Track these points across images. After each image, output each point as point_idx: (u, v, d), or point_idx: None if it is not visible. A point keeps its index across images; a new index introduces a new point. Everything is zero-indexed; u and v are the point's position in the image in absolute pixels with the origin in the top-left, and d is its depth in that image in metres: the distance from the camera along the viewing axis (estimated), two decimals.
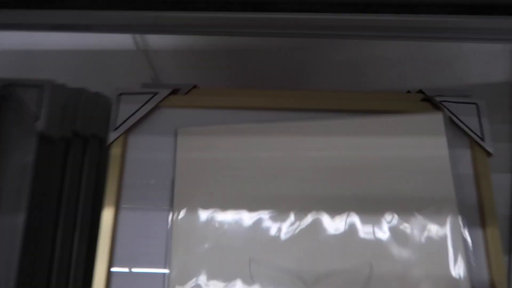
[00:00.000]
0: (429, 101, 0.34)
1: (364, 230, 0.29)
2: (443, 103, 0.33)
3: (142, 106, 0.33)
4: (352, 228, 0.30)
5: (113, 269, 0.30)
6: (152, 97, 0.33)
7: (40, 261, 0.36)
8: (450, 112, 0.33)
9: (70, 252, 0.40)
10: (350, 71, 0.47)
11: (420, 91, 0.35)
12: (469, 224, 0.30)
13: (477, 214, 0.31)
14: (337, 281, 0.29)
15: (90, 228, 0.43)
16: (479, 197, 0.32)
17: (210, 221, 0.30)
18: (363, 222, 0.30)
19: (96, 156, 0.45)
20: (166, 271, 0.29)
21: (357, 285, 0.28)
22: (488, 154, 0.32)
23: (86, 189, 0.42)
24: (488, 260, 0.30)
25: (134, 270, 0.30)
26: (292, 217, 0.30)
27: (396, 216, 0.30)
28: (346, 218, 0.30)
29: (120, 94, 0.33)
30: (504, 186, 0.46)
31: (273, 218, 0.30)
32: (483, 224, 0.31)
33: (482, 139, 0.33)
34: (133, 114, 0.32)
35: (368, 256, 0.29)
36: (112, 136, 0.32)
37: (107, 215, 0.30)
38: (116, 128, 0.32)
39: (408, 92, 0.36)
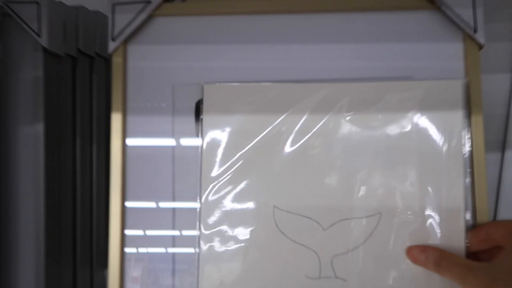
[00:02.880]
0: None
1: (374, 185, 0.32)
2: None
3: (137, 15, 0.34)
4: (363, 183, 0.32)
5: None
6: (146, 6, 0.34)
7: (63, 168, 0.40)
8: (446, 5, 0.33)
9: (90, 160, 0.44)
10: None
11: None
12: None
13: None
14: (348, 225, 0.32)
15: (106, 139, 0.47)
16: (467, 90, 0.33)
17: (234, 167, 0.33)
18: (374, 178, 0.32)
19: (103, 75, 0.47)
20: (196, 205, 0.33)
21: (365, 231, 0.32)
22: (480, 46, 0.33)
23: (97, 104, 0.45)
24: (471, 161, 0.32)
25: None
26: (314, 170, 0.32)
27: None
28: (358, 175, 0.32)
29: (114, 3, 0.33)
30: (504, 87, 0.47)
31: (295, 171, 0.32)
32: (469, 115, 0.33)
33: (475, 30, 0.33)
34: (129, 24, 0.33)
35: (377, 205, 0.32)
36: (111, 46, 0.33)
37: (115, 119, 0.33)
38: (114, 38, 0.33)
39: None
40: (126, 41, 0.34)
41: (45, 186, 0.37)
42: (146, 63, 0.34)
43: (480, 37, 0.33)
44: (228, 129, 0.33)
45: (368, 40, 0.33)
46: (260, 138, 0.33)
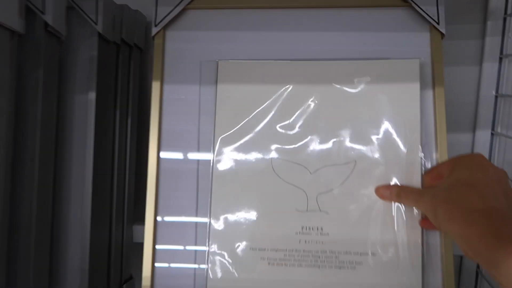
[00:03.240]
0: None
1: (351, 139, 0.41)
2: None
3: (174, 8, 0.43)
4: (342, 138, 0.41)
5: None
6: (181, 0, 0.43)
7: (106, 130, 0.50)
8: (415, 2, 0.42)
9: (126, 126, 0.53)
10: None
11: None
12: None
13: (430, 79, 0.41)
14: (330, 170, 0.41)
15: (139, 111, 0.56)
16: (432, 66, 0.41)
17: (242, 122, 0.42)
18: (349, 135, 0.41)
19: (138, 61, 0.57)
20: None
21: (343, 174, 0.41)
22: (442, 35, 0.42)
23: (133, 83, 0.54)
24: (436, 134, 0.41)
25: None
26: (305, 128, 0.41)
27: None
28: (338, 132, 0.41)
29: None
30: (473, 78, 0.55)
31: (291, 129, 0.42)
32: (433, 88, 0.41)
33: (437, 23, 0.42)
34: (168, 14, 0.43)
35: (353, 155, 0.41)
36: (154, 30, 0.43)
37: (155, 88, 0.42)
38: (157, 25, 0.43)
39: None
40: (165, 27, 0.44)
41: (94, 145, 0.46)
42: (180, 45, 0.44)
43: (441, 28, 0.42)
44: (237, 95, 0.42)
45: (353, 30, 0.43)
46: (262, 105, 0.42)
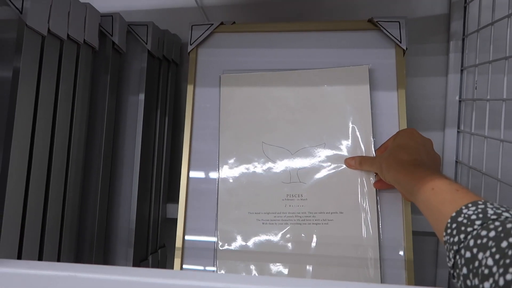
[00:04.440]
0: (371, 22, 0.57)
1: (321, 128, 0.55)
2: (379, 22, 0.56)
3: (205, 31, 0.59)
4: (314, 126, 0.55)
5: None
6: (210, 26, 0.59)
7: (150, 125, 0.65)
8: (383, 27, 0.56)
9: (164, 123, 0.68)
10: (343, 9, 0.71)
11: (370, 19, 0.58)
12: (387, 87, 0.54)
13: (395, 85, 0.55)
14: (306, 150, 0.54)
15: (174, 111, 0.72)
16: (396, 74, 0.55)
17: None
18: (319, 123, 0.55)
19: (175, 74, 0.73)
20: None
21: (316, 154, 0.54)
22: (404, 50, 0.55)
23: (170, 91, 0.70)
24: (399, 126, 0.54)
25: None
26: (285, 119, 0.56)
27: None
28: (311, 121, 0.55)
29: (193, 25, 0.59)
30: (440, 86, 0.68)
31: (276, 122, 0.56)
32: (397, 91, 0.55)
33: (400, 41, 0.55)
34: (200, 36, 0.59)
35: (323, 138, 0.54)
36: (189, 48, 0.59)
37: (189, 90, 0.57)
38: (191, 44, 0.58)
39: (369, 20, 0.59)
40: (198, 46, 0.59)
41: (142, 136, 0.61)
42: (208, 58, 0.59)
43: (403, 45, 0.55)
44: (237, 100, 0.57)
45: (335, 47, 0.57)
46: (257, 107, 0.56)
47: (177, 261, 0.52)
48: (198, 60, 0.59)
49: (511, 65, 0.49)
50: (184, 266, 0.52)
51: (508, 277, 0.25)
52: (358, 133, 0.54)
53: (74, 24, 0.49)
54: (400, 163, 0.43)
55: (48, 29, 0.45)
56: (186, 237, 0.54)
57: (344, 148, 0.54)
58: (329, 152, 0.54)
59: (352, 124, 0.54)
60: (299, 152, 0.54)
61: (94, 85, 0.56)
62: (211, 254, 0.53)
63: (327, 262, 0.50)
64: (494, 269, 0.27)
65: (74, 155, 0.51)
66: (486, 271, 0.27)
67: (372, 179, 0.52)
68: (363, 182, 0.52)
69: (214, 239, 0.53)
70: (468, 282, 0.29)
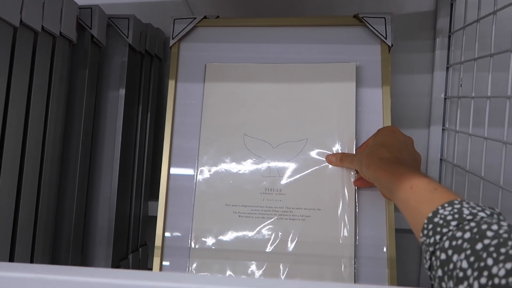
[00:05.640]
0: (356, 17, 0.56)
1: (304, 123, 0.54)
2: (364, 18, 0.55)
3: (187, 25, 0.57)
4: (297, 121, 0.54)
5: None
6: (193, 20, 0.57)
7: (132, 120, 0.63)
8: (368, 23, 0.55)
9: (146, 119, 0.67)
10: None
11: (356, 14, 0.57)
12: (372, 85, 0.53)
13: (380, 81, 0.54)
14: (288, 145, 0.53)
15: (157, 107, 0.70)
16: (381, 70, 0.54)
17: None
18: (302, 118, 0.54)
19: (157, 68, 0.71)
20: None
21: (298, 149, 0.53)
22: (389, 47, 0.55)
23: (153, 86, 0.68)
24: (383, 123, 0.53)
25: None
26: (269, 113, 0.54)
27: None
28: (294, 116, 0.54)
29: (175, 19, 0.58)
30: (426, 83, 0.67)
31: (258, 115, 0.55)
32: (382, 87, 0.54)
33: (385, 38, 0.55)
34: (182, 30, 0.57)
35: (305, 133, 0.53)
36: (171, 42, 0.57)
37: (170, 85, 0.56)
38: (173, 38, 0.57)
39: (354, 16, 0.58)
40: (180, 40, 0.58)
41: (122, 132, 0.60)
42: (191, 53, 0.57)
43: (388, 41, 0.55)
44: (221, 91, 0.55)
45: (321, 43, 0.56)
46: (241, 98, 0.55)
47: (156, 260, 0.51)
48: (180, 54, 0.57)
49: (496, 63, 0.48)
50: (164, 265, 0.51)
51: (482, 280, 0.25)
52: (341, 130, 0.53)
53: (50, 16, 0.47)
54: (380, 160, 0.42)
55: (21, 20, 0.43)
56: (166, 235, 0.53)
57: (326, 144, 0.53)
58: (310, 148, 0.53)
59: (335, 121, 0.53)
60: (280, 146, 0.53)
61: (72, 80, 0.54)
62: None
63: (302, 260, 0.50)
64: (469, 272, 0.26)
65: (49, 153, 0.49)
66: (461, 274, 0.27)
67: (353, 177, 0.51)
68: (343, 180, 0.51)
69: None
70: (443, 285, 0.29)
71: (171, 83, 0.56)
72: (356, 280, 0.49)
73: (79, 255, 0.54)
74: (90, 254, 0.56)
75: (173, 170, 0.55)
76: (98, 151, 0.59)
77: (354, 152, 0.52)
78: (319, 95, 0.54)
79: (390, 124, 0.53)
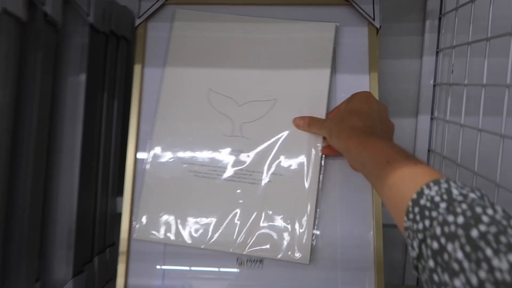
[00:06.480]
0: None
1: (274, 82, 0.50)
2: None
3: (155, 3, 0.51)
4: (266, 79, 0.49)
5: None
6: None
7: (95, 110, 0.57)
8: (355, 2, 0.50)
9: (112, 108, 0.61)
10: None
11: None
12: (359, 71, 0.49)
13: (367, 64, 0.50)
14: (255, 104, 0.49)
15: (125, 94, 0.64)
16: (368, 53, 0.50)
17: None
18: (272, 76, 0.49)
19: (125, 50, 0.65)
20: None
21: (265, 109, 0.49)
22: (377, 29, 0.50)
23: (120, 69, 0.62)
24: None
25: None
26: (238, 68, 0.50)
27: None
28: (263, 73, 0.50)
29: None
30: (415, 69, 0.63)
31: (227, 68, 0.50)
32: (369, 72, 0.50)
33: (373, 19, 0.50)
34: (149, 8, 0.51)
35: (274, 93, 0.49)
36: (137, 21, 0.51)
37: (137, 70, 0.50)
38: (139, 17, 0.51)
39: None
40: (147, 19, 0.51)
41: (83, 122, 0.54)
42: (159, 34, 0.51)
43: (376, 23, 0.50)
44: (189, 41, 0.50)
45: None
46: (210, 51, 0.50)
47: (121, 267, 0.46)
48: (147, 35, 0.52)
49: (493, 47, 0.44)
50: (130, 271, 0.47)
51: (482, 274, 0.21)
52: (312, 93, 0.49)
53: None
54: (351, 130, 0.38)
55: None
56: (134, 237, 0.48)
57: (296, 106, 0.49)
58: (278, 109, 0.49)
59: (308, 82, 0.49)
60: (246, 105, 0.49)
61: (23, 63, 0.48)
62: (161, 256, 0.47)
63: (257, 230, 0.47)
64: (465, 264, 0.23)
65: None
66: (456, 266, 0.23)
67: (320, 144, 0.47)
68: (310, 146, 0.48)
69: (171, 237, 0.47)
70: (436, 277, 0.25)
71: (137, 68, 0.51)
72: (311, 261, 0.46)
73: (36, 261, 0.48)
74: (49, 258, 0.51)
75: (140, 164, 0.50)
76: (57, 143, 0.53)
77: (325, 117, 0.48)
78: (294, 54, 0.50)
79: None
